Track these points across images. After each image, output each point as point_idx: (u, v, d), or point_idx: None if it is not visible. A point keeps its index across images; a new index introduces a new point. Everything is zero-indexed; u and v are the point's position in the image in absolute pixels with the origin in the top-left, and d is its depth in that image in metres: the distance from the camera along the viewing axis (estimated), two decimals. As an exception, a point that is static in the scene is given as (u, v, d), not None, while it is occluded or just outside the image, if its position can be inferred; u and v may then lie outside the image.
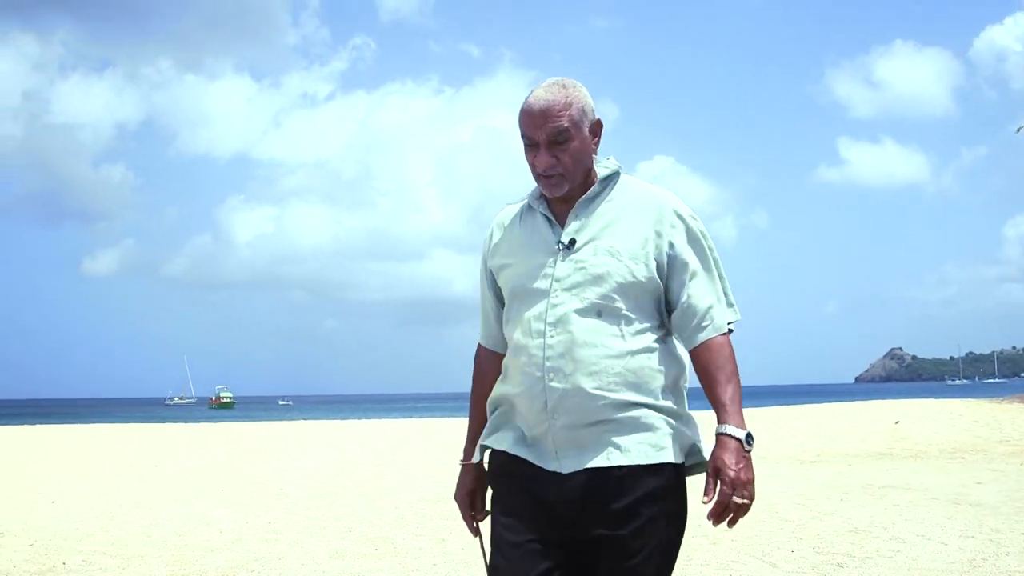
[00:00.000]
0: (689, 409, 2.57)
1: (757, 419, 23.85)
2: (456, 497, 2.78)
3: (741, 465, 2.35)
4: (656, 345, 2.49)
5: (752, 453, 2.38)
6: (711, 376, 2.47)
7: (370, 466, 15.63)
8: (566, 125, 2.46)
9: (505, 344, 2.64)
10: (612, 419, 2.41)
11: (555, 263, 2.51)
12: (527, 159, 2.54)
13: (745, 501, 2.35)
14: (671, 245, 2.50)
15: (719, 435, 2.40)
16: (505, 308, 2.64)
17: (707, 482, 2.38)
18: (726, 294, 2.58)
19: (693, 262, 2.52)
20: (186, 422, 37.39)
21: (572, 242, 2.51)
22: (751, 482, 2.37)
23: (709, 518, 2.36)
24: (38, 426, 34.65)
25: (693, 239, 2.53)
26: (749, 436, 2.39)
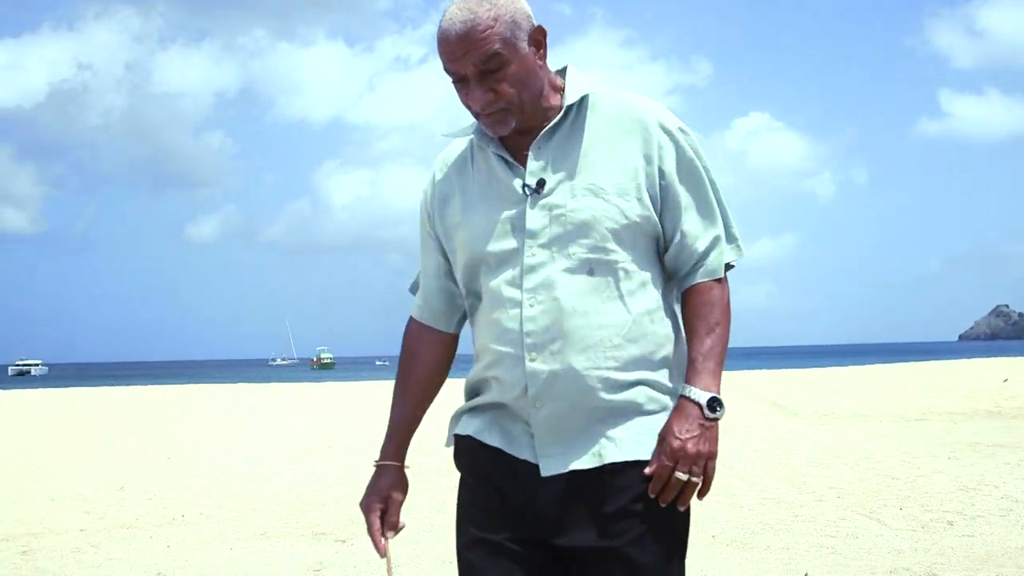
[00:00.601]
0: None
1: (858, 377, 23.49)
2: (362, 504, 2.21)
3: (692, 434, 1.94)
4: (662, 301, 2.06)
5: (721, 422, 1.98)
6: (690, 325, 2.05)
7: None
8: (496, 48, 1.94)
9: (446, 318, 2.24)
10: (606, 405, 1.98)
11: (523, 213, 2.01)
12: (459, 98, 2.04)
13: (692, 479, 1.94)
14: (663, 172, 2.03)
15: (679, 397, 1.99)
16: (464, 279, 2.14)
17: (655, 450, 1.98)
18: (727, 227, 2.10)
19: (688, 190, 2.05)
20: (290, 382, 38.23)
21: (541, 183, 2.01)
22: (704, 456, 1.95)
23: (651, 494, 1.96)
24: (148, 387, 35.77)
25: (685, 161, 2.05)
26: (714, 401, 1.96)
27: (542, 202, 2.00)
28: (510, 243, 2.02)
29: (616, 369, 1.97)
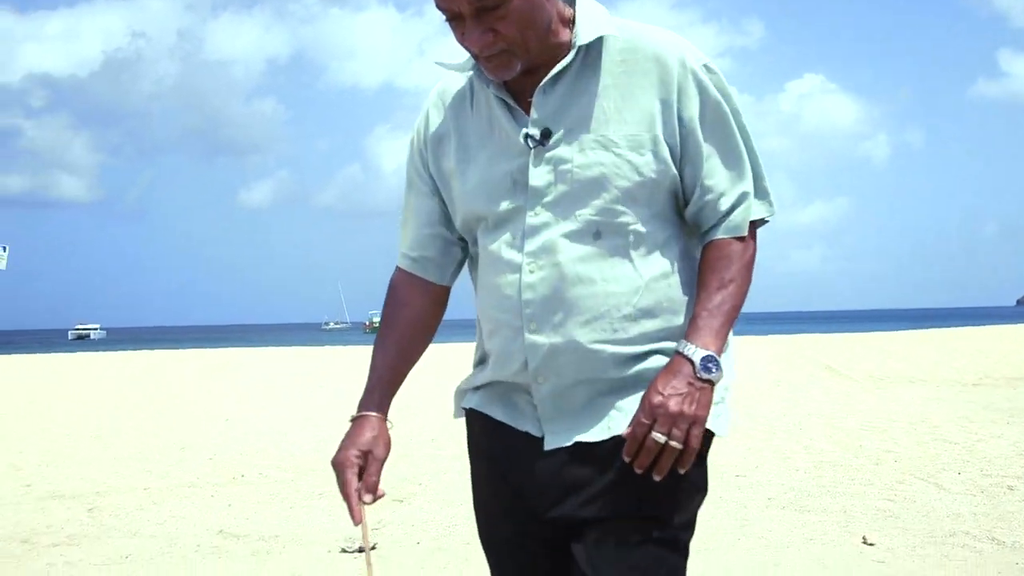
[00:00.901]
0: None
1: (914, 341, 23.23)
2: (336, 460, 1.91)
3: (678, 392, 1.73)
4: (679, 262, 1.85)
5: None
6: (702, 279, 1.83)
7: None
8: None
9: (440, 269, 2.03)
10: (615, 379, 1.81)
11: (526, 167, 1.81)
12: (455, 38, 1.78)
13: (671, 442, 1.72)
14: (683, 119, 1.79)
15: (673, 353, 1.79)
16: (464, 231, 1.96)
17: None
18: (758, 180, 1.86)
19: (712, 139, 1.82)
20: (343, 345, 38.56)
21: (546, 134, 1.79)
22: (687, 419, 1.72)
23: (625, 456, 1.76)
24: (204, 350, 36.29)
25: (710, 105, 1.81)
26: (708, 360, 1.75)
27: (547, 155, 1.80)
28: (511, 202, 1.82)
29: (625, 342, 1.79)
